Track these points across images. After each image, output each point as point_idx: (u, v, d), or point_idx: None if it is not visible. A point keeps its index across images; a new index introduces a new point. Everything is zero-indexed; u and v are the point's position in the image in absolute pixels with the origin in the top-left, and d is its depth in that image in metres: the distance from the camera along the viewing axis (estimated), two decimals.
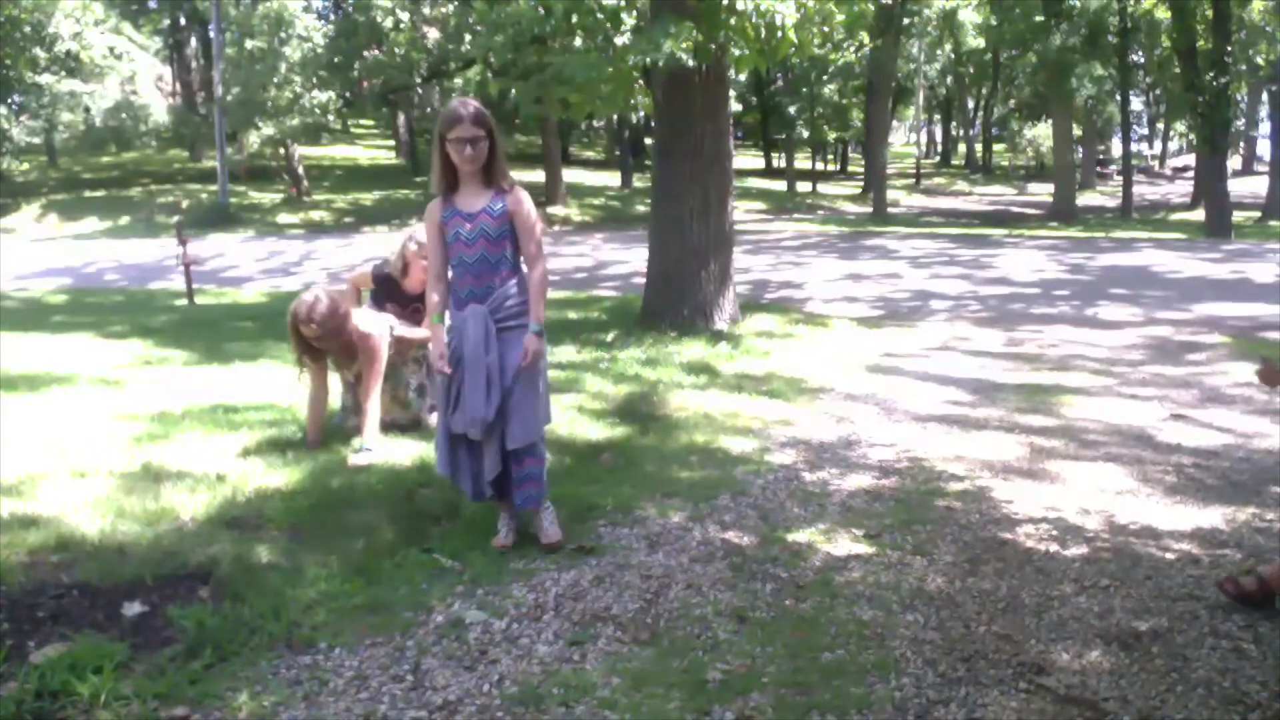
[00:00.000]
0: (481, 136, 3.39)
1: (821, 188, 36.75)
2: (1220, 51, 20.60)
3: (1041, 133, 40.42)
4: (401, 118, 34.85)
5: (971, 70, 45.79)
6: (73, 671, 2.60)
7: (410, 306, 5.05)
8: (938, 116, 58.08)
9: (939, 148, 58.13)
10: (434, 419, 5.04)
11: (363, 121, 43.72)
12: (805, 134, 36.11)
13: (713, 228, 8.01)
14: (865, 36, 22.75)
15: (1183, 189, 38.15)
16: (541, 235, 3.57)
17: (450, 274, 3.58)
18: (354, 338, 4.66)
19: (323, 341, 4.57)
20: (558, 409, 5.01)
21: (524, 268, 3.58)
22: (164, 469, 4.31)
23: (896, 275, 12.70)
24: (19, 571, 3.26)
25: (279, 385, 6.27)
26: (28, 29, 25.35)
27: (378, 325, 4.74)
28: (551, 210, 25.92)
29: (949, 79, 49.48)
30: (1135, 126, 44.77)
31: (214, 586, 3.22)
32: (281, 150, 28.02)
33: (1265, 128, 38.96)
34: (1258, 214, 26.51)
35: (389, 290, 5.12)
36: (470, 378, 3.45)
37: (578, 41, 8.29)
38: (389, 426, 4.97)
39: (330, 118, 28.12)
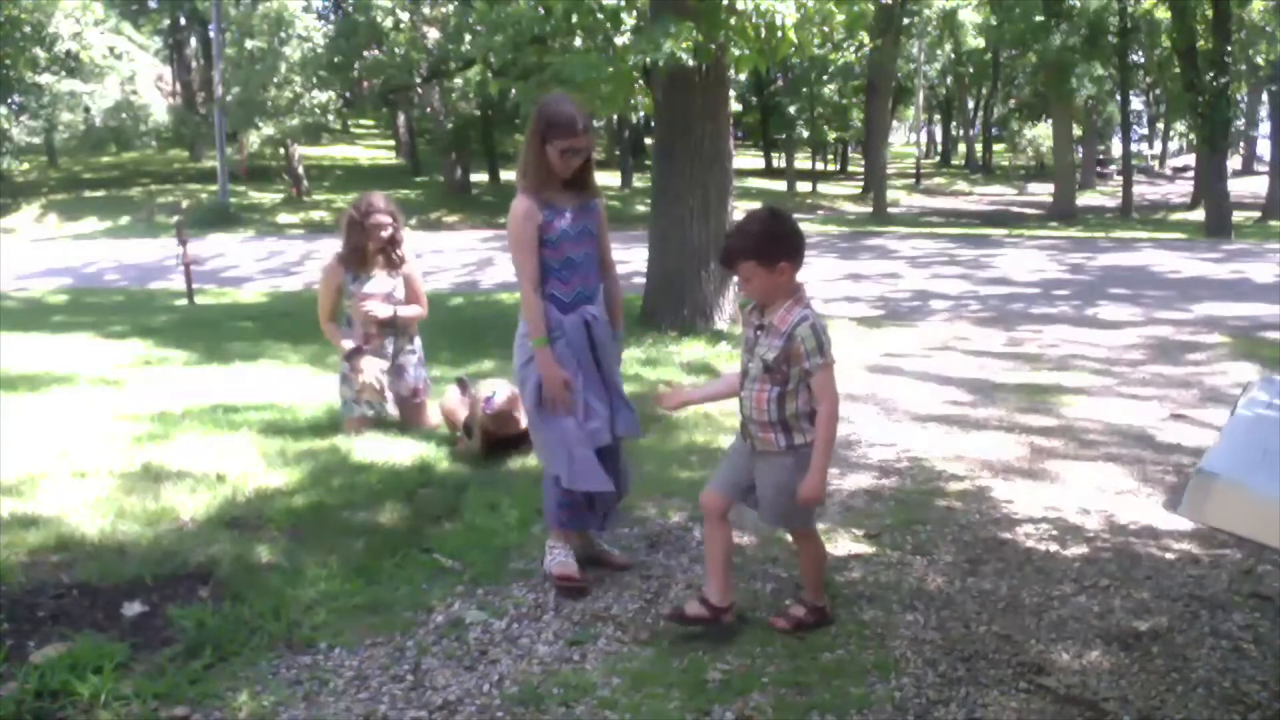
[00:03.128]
0: (591, 147, 3.31)
1: (821, 188, 36.75)
2: (1220, 51, 20.61)
3: (1041, 133, 40.43)
4: (401, 118, 34.84)
5: (971, 70, 45.80)
6: (73, 671, 2.60)
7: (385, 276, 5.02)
8: (938, 116, 58.09)
9: (939, 148, 58.13)
10: (391, 408, 5.08)
11: (363, 121, 43.75)
12: (805, 134, 36.11)
13: (713, 228, 8.01)
14: (865, 36, 22.69)
15: (1183, 189, 38.16)
16: (520, 271, 3.33)
17: (549, 278, 3.29)
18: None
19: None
20: None
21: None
22: (164, 469, 4.31)
23: (896, 275, 12.70)
24: (19, 571, 3.27)
25: (279, 385, 6.28)
26: (28, 29, 25.36)
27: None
28: None
29: (949, 79, 49.49)
30: (1135, 126, 44.78)
31: (214, 586, 3.22)
32: (281, 150, 28.03)
33: (1265, 128, 39.03)
34: (1258, 214, 26.51)
35: (358, 265, 4.97)
36: (594, 383, 3.31)
37: (578, 41, 8.29)
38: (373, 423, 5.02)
39: (330, 118, 28.13)
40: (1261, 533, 3.83)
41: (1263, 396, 5.33)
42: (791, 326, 2.80)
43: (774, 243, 2.83)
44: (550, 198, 3.30)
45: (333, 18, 32.39)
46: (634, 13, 7.94)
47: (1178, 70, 22.78)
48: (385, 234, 4.90)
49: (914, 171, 41.97)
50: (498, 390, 4.53)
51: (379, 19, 24.03)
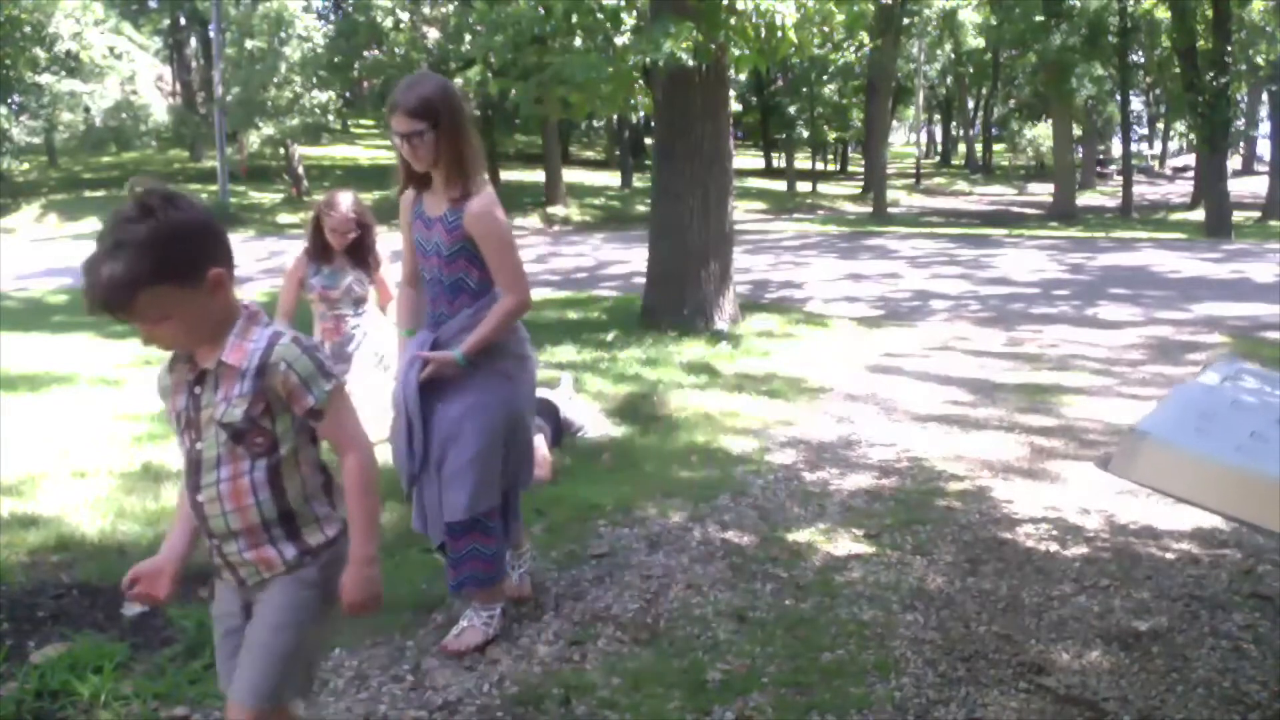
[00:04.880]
0: (421, 131, 2.64)
1: (821, 188, 36.72)
2: (1220, 51, 20.60)
3: (1041, 133, 40.40)
4: None
5: (971, 70, 45.76)
6: (73, 671, 2.60)
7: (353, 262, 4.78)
8: (938, 116, 58.06)
9: (939, 148, 58.12)
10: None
11: (363, 121, 43.71)
12: (805, 134, 36.07)
13: (713, 228, 8.01)
14: (865, 36, 22.72)
15: (1183, 189, 38.13)
16: (518, 264, 2.80)
17: None
18: None
19: None
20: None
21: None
22: (164, 469, 4.31)
23: (896, 275, 12.70)
24: (19, 571, 3.27)
25: None
26: (28, 29, 25.33)
27: None
28: (551, 210, 25.91)
29: (949, 79, 49.46)
30: (1135, 126, 44.75)
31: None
32: (281, 150, 28.01)
33: (1265, 128, 38.98)
34: (1258, 214, 26.49)
35: (321, 258, 4.74)
36: (399, 421, 2.83)
37: (578, 41, 8.29)
38: None
39: (330, 118, 28.11)
40: (1187, 491, 3.88)
41: (1214, 373, 5.41)
42: (259, 356, 1.73)
43: (186, 245, 1.68)
44: (424, 198, 2.84)
45: (333, 18, 32.39)
46: (634, 13, 7.94)
47: (1178, 70, 22.77)
48: (350, 236, 4.68)
49: (914, 171, 41.95)
50: None
51: (379, 19, 24.04)
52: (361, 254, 4.76)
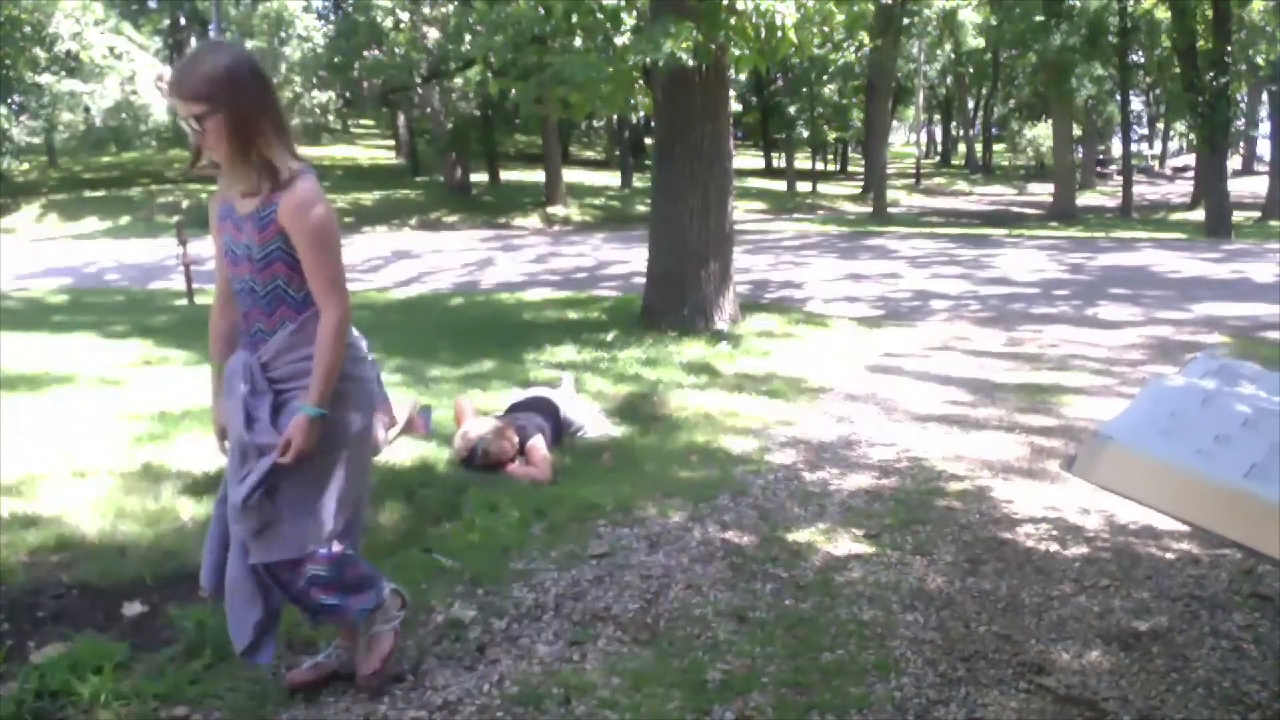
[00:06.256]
0: (203, 114, 2.22)
1: (821, 188, 36.73)
2: (1220, 51, 20.59)
3: (1041, 133, 40.41)
4: (401, 118, 34.84)
5: (971, 70, 45.78)
6: (73, 671, 2.60)
7: None
8: (938, 116, 58.08)
9: (939, 148, 58.13)
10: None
11: (363, 121, 43.73)
12: (805, 134, 36.09)
13: (713, 228, 8.01)
14: (865, 36, 22.72)
15: (1183, 189, 38.14)
16: (338, 269, 2.36)
17: None
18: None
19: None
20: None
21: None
22: (164, 469, 4.31)
23: (896, 275, 12.70)
24: (19, 571, 3.27)
25: None
26: (28, 29, 25.33)
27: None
28: (551, 210, 25.91)
29: (949, 79, 49.48)
30: (1135, 126, 44.75)
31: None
32: None
33: (1265, 128, 38.94)
34: (1258, 214, 26.49)
35: None
36: (231, 454, 2.46)
37: (578, 41, 8.28)
38: None
39: (330, 118, 28.14)
40: (1145, 495, 3.89)
41: (1195, 368, 5.40)
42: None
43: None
44: (228, 192, 2.41)
45: (333, 18, 32.40)
46: (634, 13, 7.94)
47: (1178, 70, 22.75)
48: None
49: (914, 171, 41.95)
50: (473, 428, 4.52)
51: (379, 19, 24.05)
52: None
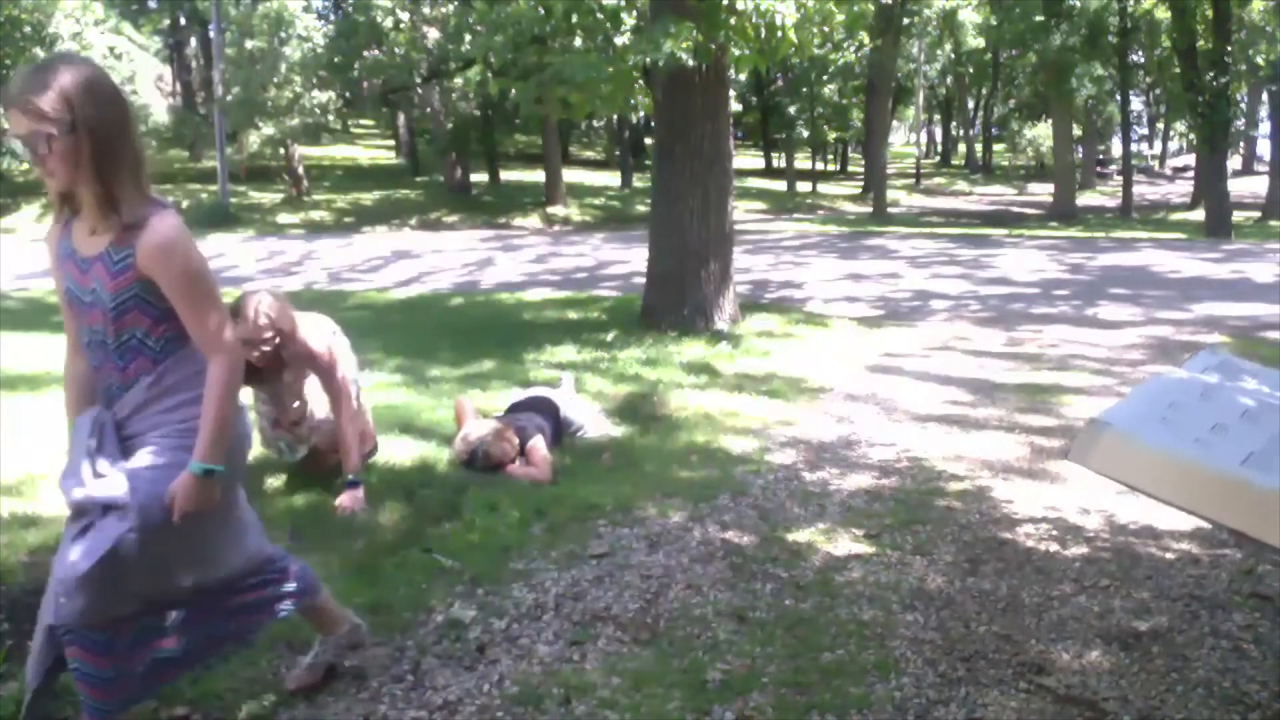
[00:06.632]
0: (46, 135, 1.93)
1: (821, 188, 36.73)
2: (1220, 51, 20.59)
3: (1041, 133, 40.42)
4: (401, 118, 34.83)
5: (971, 70, 45.79)
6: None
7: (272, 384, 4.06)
8: (938, 116, 58.09)
9: (939, 148, 58.13)
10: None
11: (363, 121, 43.72)
12: (805, 134, 36.10)
13: (713, 228, 8.01)
14: (865, 36, 22.72)
15: (1183, 189, 38.15)
16: (221, 312, 2.15)
17: None
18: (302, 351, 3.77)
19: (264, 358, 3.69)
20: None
21: (194, 360, 2.15)
22: None
23: (896, 275, 12.69)
24: (19, 571, 3.27)
25: None
26: (28, 29, 25.33)
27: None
28: (551, 210, 25.91)
29: (949, 79, 49.49)
30: (1135, 126, 44.78)
31: None
32: (282, 150, 28.00)
33: (1265, 128, 38.95)
34: (1258, 214, 26.50)
35: (252, 378, 3.72)
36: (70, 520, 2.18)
37: (578, 41, 8.28)
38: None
39: (330, 118, 28.10)
40: (1143, 481, 3.88)
41: (1195, 363, 5.41)
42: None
43: None
44: (74, 227, 2.11)
45: (333, 18, 32.37)
46: (634, 13, 7.94)
47: (1178, 70, 22.75)
48: (266, 349, 3.70)
49: (914, 171, 41.96)
50: (473, 429, 4.50)
51: (379, 19, 24.01)
52: (279, 365, 3.88)
